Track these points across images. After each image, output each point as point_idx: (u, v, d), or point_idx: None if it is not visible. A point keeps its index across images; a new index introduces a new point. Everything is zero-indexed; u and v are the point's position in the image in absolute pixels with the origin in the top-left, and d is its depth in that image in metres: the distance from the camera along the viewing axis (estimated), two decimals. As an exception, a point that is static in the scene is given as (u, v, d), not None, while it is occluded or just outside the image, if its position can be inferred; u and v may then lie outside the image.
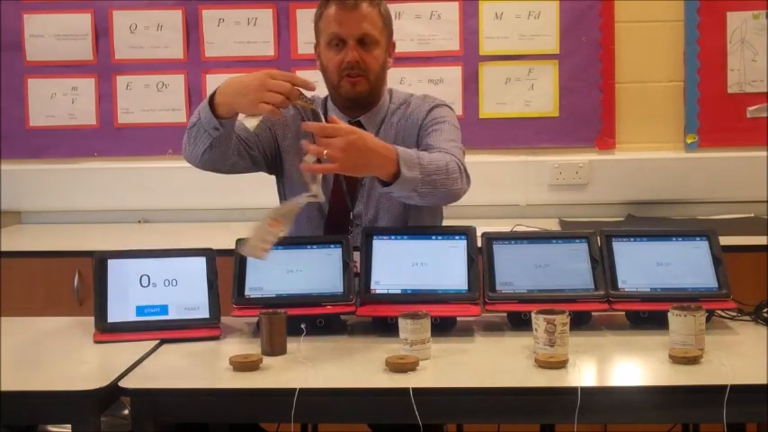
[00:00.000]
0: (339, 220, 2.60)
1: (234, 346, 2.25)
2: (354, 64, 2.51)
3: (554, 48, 3.94)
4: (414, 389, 1.91)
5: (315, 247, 2.43)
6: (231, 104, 2.33)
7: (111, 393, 2.00)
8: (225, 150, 2.47)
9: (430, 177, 2.32)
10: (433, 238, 2.43)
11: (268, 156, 2.64)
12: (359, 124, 2.60)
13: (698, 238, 2.43)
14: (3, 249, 3.53)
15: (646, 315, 2.34)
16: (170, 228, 3.96)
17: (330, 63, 2.55)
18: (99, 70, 4.06)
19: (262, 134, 2.60)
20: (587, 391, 1.92)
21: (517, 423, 2.04)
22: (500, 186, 3.91)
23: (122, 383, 2.00)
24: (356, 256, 2.41)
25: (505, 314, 2.38)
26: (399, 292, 2.36)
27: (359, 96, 2.56)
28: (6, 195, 4.06)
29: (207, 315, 2.35)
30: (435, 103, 2.65)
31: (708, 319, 2.21)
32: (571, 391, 1.91)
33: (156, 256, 2.40)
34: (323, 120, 2.41)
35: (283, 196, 2.71)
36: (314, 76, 3.92)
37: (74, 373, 2.10)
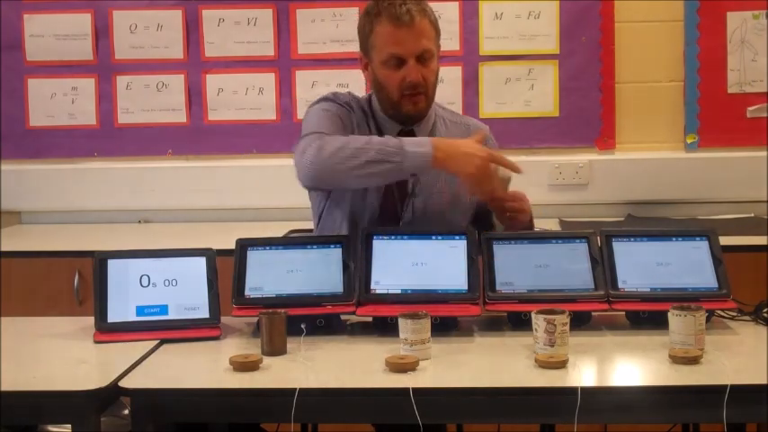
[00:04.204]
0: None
1: (234, 346, 2.25)
2: (417, 83, 2.50)
3: (554, 48, 3.94)
4: (414, 389, 1.91)
5: (315, 247, 2.43)
6: (447, 164, 2.37)
7: (111, 393, 2.00)
8: None
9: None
10: (433, 238, 2.43)
11: None
12: (411, 133, 2.60)
13: (698, 238, 2.43)
14: (3, 249, 3.53)
15: (646, 315, 2.34)
16: (170, 228, 3.96)
17: (389, 81, 2.52)
18: (99, 70, 4.06)
19: None
20: (587, 391, 1.92)
21: (517, 423, 2.05)
22: (500, 186, 3.91)
23: (122, 383, 2.00)
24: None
25: (505, 314, 2.38)
26: (399, 292, 2.36)
27: (420, 114, 2.57)
28: (6, 195, 4.06)
29: (207, 315, 2.35)
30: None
31: (708, 319, 2.21)
32: (571, 391, 1.91)
33: (156, 256, 2.40)
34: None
35: (322, 208, 2.67)
36: (315, 76, 3.98)
37: (74, 373, 2.09)
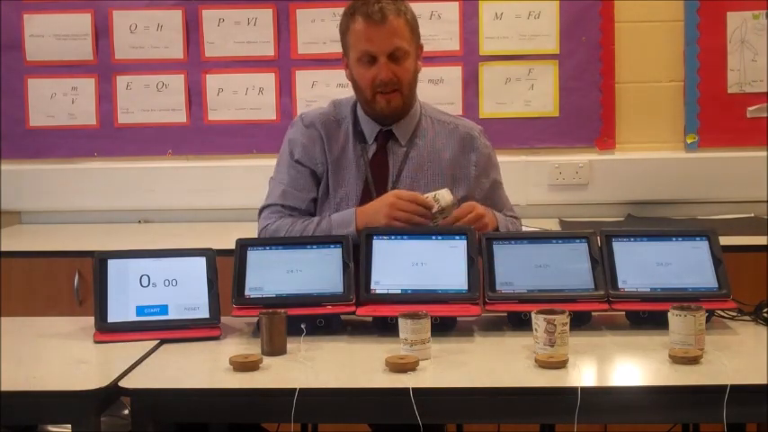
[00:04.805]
0: None
1: (234, 346, 2.25)
2: (388, 81, 2.52)
3: (554, 48, 3.94)
4: (414, 389, 1.91)
5: (315, 247, 2.43)
6: (370, 224, 2.47)
7: (111, 393, 2.01)
8: None
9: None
10: (433, 238, 2.43)
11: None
12: (390, 133, 2.63)
13: (698, 238, 2.43)
14: (3, 249, 3.53)
15: (646, 315, 2.34)
16: (170, 228, 3.96)
17: (362, 79, 2.56)
18: (99, 70, 4.06)
19: (308, 184, 2.66)
20: (587, 391, 1.92)
21: (517, 423, 2.05)
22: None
23: (122, 383, 2.00)
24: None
25: (505, 314, 2.38)
26: (399, 292, 2.36)
27: (394, 112, 2.59)
28: (6, 195, 4.06)
29: (207, 315, 2.35)
30: (491, 152, 2.73)
31: (708, 319, 2.21)
32: (571, 391, 1.91)
33: (156, 256, 2.41)
34: None
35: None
36: (314, 76, 3.98)
37: (74, 373, 2.10)
